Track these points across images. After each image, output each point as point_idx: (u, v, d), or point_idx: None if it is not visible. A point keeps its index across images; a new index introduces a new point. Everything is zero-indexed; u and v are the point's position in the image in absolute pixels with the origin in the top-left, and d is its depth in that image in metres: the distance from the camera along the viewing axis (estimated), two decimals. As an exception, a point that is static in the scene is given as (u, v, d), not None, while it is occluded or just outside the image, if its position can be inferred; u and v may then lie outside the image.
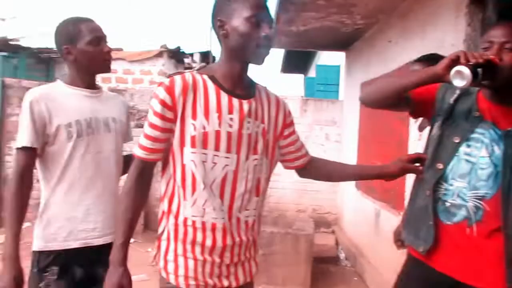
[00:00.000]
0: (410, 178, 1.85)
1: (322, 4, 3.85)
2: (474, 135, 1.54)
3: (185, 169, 1.34)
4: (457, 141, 1.56)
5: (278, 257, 4.02)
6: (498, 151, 1.48)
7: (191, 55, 8.47)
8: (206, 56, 7.87)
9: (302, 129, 5.89)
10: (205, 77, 1.37)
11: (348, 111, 5.76)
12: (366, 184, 4.65)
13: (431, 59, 2.06)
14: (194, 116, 1.32)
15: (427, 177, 1.61)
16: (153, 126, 1.33)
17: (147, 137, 1.35)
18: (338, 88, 6.93)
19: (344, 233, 5.59)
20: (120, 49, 7.13)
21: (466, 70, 1.35)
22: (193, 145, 1.32)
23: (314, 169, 1.66)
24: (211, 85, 1.36)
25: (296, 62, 9.80)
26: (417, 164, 1.65)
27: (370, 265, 4.28)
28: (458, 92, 1.65)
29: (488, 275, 1.47)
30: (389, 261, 3.46)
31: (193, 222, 1.36)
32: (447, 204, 1.54)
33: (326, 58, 8.73)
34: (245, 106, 1.38)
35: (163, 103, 1.31)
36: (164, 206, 1.42)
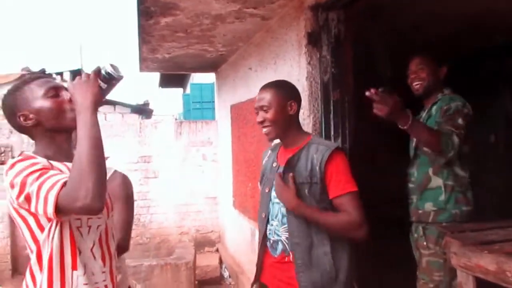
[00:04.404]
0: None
1: (181, 36, 3.91)
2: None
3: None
4: (267, 190, 1.87)
5: (159, 289, 4.00)
6: None
7: (61, 74, 8.05)
8: (77, 74, 7.49)
9: (178, 152, 5.91)
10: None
11: (221, 131, 5.91)
12: (241, 204, 4.82)
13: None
14: None
15: (260, 227, 1.92)
16: None
17: None
18: (214, 105, 7.02)
19: (227, 251, 5.72)
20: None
21: (108, 67, 1.32)
22: None
23: None
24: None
25: (173, 77, 9.76)
26: None
27: (250, 282, 4.43)
28: (269, 150, 2.01)
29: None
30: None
31: None
32: (271, 241, 1.85)
33: (202, 74, 8.84)
34: None
35: None
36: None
